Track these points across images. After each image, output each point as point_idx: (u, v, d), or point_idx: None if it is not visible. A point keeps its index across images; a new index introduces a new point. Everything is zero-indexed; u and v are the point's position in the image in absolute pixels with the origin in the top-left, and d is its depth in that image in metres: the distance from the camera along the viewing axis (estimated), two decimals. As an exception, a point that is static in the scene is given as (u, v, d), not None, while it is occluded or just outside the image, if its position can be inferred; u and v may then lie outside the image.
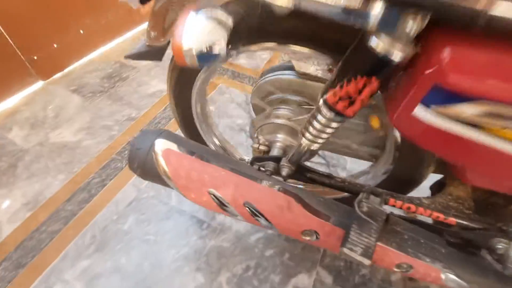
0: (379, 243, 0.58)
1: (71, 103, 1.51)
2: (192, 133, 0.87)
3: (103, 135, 1.36)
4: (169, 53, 0.68)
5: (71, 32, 1.62)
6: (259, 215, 0.59)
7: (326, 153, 1.30)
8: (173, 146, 0.59)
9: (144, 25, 2.02)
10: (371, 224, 0.53)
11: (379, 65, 0.35)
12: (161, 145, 0.59)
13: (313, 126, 0.50)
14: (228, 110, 1.48)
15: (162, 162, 0.58)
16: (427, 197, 0.62)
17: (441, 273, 0.60)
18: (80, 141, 1.34)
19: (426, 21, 0.31)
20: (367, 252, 0.51)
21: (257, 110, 0.79)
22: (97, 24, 1.71)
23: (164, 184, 0.62)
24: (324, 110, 0.45)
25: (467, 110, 0.32)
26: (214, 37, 0.38)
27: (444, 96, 0.33)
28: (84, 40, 1.69)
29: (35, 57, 1.51)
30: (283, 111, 0.71)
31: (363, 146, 0.74)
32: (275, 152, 0.72)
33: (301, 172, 0.67)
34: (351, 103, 0.40)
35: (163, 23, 0.58)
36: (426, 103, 0.34)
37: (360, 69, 0.37)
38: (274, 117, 0.72)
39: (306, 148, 0.57)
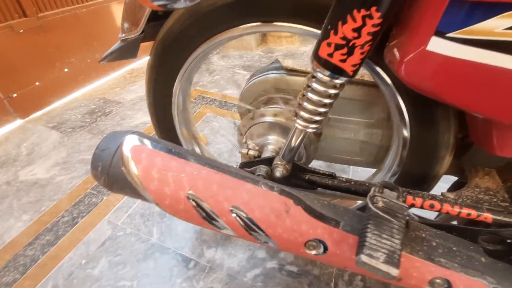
0: (403, 252, 0.46)
1: (48, 140, 1.41)
2: (169, 137, 0.78)
3: (79, 169, 1.24)
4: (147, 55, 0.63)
5: (55, 70, 1.60)
6: (253, 225, 0.47)
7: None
8: (144, 142, 0.49)
9: (132, 66, 2.05)
10: (392, 222, 0.42)
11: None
12: (130, 142, 0.49)
13: (307, 100, 0.42)
14: (216, 137, 1.41)
15: (130, 161, 0.47)
16: (451, 192, 0.52)
17: (483, 282, 0.46)
18: (52, 177, 1.22)
19: None
20: (393, 259, 0.39)
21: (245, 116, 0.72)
22: (83, 63, 1.71)
23: (135, 193, 0.51)
24: (318, 71, 0.38)
25: (499, 23, 0.25)
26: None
27: (463, 15, 0.26)
28: (68, 78, 1.67)
29: (15, 95, 1.46)
30: (271, 109, 0.64)
31: (362, 150, 0.66)
32: (267, 155, 0.62)
33: (298, 174, 0.57)
34: (350, 52, 0.33)
35: (136, 12, 0.53)
36: (442, 30, 0.28)
37: (356, 1, 0.30)
38: (261, 116, 0.64)
39: (301, 133, 0.48)
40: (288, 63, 0.66)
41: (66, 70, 1.64)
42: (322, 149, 0.71)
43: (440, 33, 0.29)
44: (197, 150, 0.85)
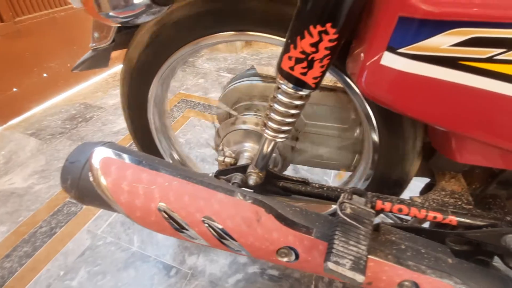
0: (372, 257, 0.47)
1: (27, 147, 1.37)
2: (147, 145, 0.77)
3: (58, 178, 1.21)
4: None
5: (33, 75, 1.56)
6: (225, 235, 0.48)
7: (303, 172, 1.22)
8: (114, 154, 0.48)
9: (114, 69, 2.01)
10: (359, 228, 0.43)
11: (332, 9, 0.30)
12: (100, 154, 0.48)
13: (274, 111, 0.43)
14: (200, 141, 1.40)
15: (99, 174, 0.47)
16: (419, 196, 0.54)
17: (448, 282, 0.48)
18: (30, 186, 1.18)
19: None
20: (358, 265, 0.40)
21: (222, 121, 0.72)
22: (62, 68, 1.67)
23: (105, 206, 0.50)
24: (282, 84, 0.38)
25: (444, 40, 0.27)
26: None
27: (411, 32, 0.28)
28: (47, 83, 1.63)
29: (-10, 102, 1.42)
30: (248, 117, 0.64)
31: (338, 154, 0.67)
32: (242, 162, 0.62)
33: (272, 181, 0.57)
34: (310, 66, 0.34)
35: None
36: (393, 46, 0.29)
37: (312, 17, 0.31)
38: (238, 123, 0.64)
39: (271, 143, 0.48)
40: (263, 70, 0.67)
41: (45, 75, 1.60)
42: (299, 154, 0.72)
43: (392, 49, 0.30)
44: (175, 156, 0.84)
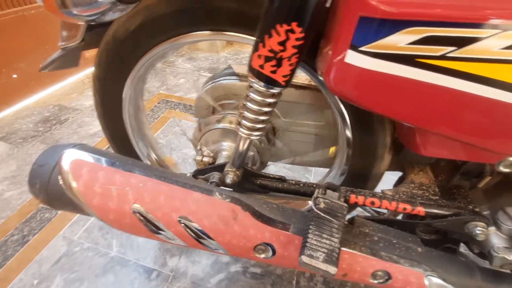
0: (346, 249, 0.48)
1: (-5, 152, 1.31)
2: (124, 148, 0.75)
3: (31, 183, 1.16)
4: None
5: (1, 77, 1.48)
6: (202, 234, 0.48)
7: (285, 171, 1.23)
8: (85, 156, 0.47)
9: (90, 70, 1.95)
10: (332, 222, 0.44)
11: (297, 8, 0.31)
12: (70, 156, 0.47)
13: (247, 109, 0.43)
14: (181, 142, 1.38)
15: (69, 177, 0.45)
16: (390, 189, 0.56)
17: (424, 277, 0.50)
18: (0, 193, 1.13)
19: None
20: (331, 257, 0.41)
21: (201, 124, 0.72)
22: (33, 68, 1.60)
23: (77, 209, 0.49)
24: (254, 82, 0.39)
25: (400, 39, 0.28)
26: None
27: (372, 31, 0.29)
28: (17, 85, 1.55)
29: (-47, 106, 1.33)
30: (226, 115, 0.64)
31: (315, 151, 0.69)
32: (221, 162, 0.62)
33: (250, 179, 0.58)
34: (279, 64, 0.34)
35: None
36: (356, 44, 0.30)
37: (278, 16, 0.32)
38: (216, 122, 0.64)
39: (247, 141, 0.49)
40: (239, 69, 0.67)
41: (14, 76, 1.53)
42: (277, 152, 0.73)
43: (354, 47, 0.31)
44: (154, 157, 0.83)
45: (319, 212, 0.45)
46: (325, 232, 0.43)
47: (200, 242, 0.48)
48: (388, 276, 0.50)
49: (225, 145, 0.65)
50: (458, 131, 0.35)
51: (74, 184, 0.45)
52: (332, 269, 0.40)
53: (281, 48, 0.34)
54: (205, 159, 0.64)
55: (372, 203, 0.53)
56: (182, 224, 0.47)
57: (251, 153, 0.66)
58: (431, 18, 0.27)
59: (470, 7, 0.26)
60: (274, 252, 0.48)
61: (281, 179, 0.57)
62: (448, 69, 0.29)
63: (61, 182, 0.46)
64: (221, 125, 0.64)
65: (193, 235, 0.47)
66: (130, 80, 0.62)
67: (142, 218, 0.46)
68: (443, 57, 0.28)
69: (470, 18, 0.26)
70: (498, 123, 0.31)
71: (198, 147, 0.68)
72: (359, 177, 0.65)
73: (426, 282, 0.50)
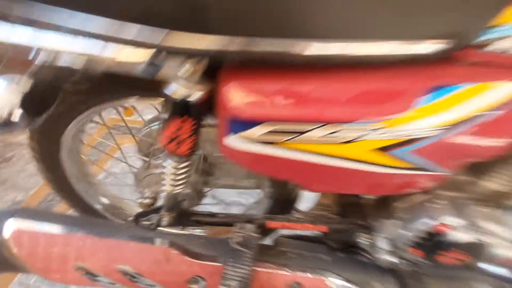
0: (262, 269, 0.60)
1: None
2: (71, 197, 0.80)
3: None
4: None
5: None
6: (139, 277, 0.56)
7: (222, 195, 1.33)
8: (26, 225, 0.53)
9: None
10: (245, 253, 0.55)
11: (184, 106, 0.40)
12: (11, 226, 0.53)
13: (167, 171, 0.52)
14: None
15: (10, 245, 0.51)
16: (302, 212, 0.68)
17: (326, 281, 0.63)
18: None
19: (205, 64, 0.38)
20: (244, 284, 0.52)
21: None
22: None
23: (21, 271, 0.55)
24: (165, 155, 0.48)
25: (256, 131, 0.39)
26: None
27: (238, 125, 0.39)
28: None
29: None
30: (159, 161, 0.72)
31: (245, 178, 0.79)
32: (160, 203, 0.71)
33: (185, 218, 0.67)
34: (181, 142, 0.44)
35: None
36: (232, 131, 0.40)
37: (173, 111, 0.41)
38: (153, 167, 0.72)
39: (171, 193, 0.58)
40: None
41: None
42: (209, 180, 0.82)
43: (231, 133, 0.41)
44: (104, 201, 0.88)
45: (234, 246, 0.56)
46: (239, 262, 0.54)
47: (138, 283, 0.57)
48: (300, 286, 0.62)
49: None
50: (327, 186, 0.47)
51: (16, 251, 0.51)
52: (242, 293, 0.51)
53: (180, 132, 0.43)
54: (146, 201, 0.72)
55: (285, 225, 0.65)
56: (121, 272, 0.55)
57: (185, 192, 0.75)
58: (275, 118, 0.38)
59: (299, 110, 0.38)
60: (206, 283, 0.58)
61: (211, 214, 0.67)
62: (292, 148, 0.40)
63: (3, 250, 0.51)
64: (158, 171, 0.72)
65: (132, 278, 0.56)
66: (65, 139, 0.68)
67: (84, 273, 0.54)
68: (288, 141, 0.40)
69: (301, 118, 0.38)
70: (335, 177, 0.43)
71: (140, 190, 0.75)
72: (283, 198, 0.77)
73: (330, 285, 0.64)
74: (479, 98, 0.36)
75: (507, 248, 0.57)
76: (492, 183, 0.58)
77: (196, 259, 0.58)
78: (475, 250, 0.57)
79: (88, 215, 0.81)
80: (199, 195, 0.78)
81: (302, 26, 0.32)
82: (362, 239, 0.64)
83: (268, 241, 0.70)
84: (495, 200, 0.60)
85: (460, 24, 0.34)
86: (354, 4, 0.31)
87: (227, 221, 0.67)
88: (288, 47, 0.33)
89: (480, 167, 0.57)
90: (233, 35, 0.31)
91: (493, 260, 0.58)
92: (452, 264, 0.60)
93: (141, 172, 0.75)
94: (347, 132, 0.37)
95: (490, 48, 0.36)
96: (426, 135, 0.38)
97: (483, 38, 0.35)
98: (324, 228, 0.65)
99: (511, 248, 0.57)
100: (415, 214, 0.58)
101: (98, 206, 0.84)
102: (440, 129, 0.37)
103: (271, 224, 0.65)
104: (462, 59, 0.37)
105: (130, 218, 0.68)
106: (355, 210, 0.68)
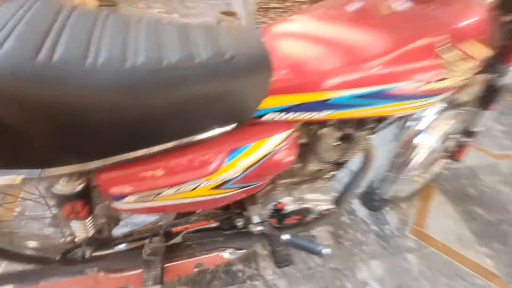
0: (173, 263, 0.84)
1: None
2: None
3: None
4: None
5: None
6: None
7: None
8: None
9: None
10: (155, 259, 0.78)
11: (71, 195, 0.57)
12: None
13: (75, 227, 0.69)
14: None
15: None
16: (196, 213, 0.93)
17: (221, 254, 0.92)
18: None
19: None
20: (157, 280, 0.76)
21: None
22: None
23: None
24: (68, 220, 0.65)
25: (129, 199, 0.59)
26: None
27: (117, 198, 0.58)
28: None
29: None
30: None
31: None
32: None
33: (106, 245, 0.85)
34: (78, 212, 0.61)
35: None
36: (114, 200, 0.59)
37: (63, 200, 0.57)
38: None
39: (86, 237, 0.75)
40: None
41: None
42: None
43: (114, 201, 0.59)
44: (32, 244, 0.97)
45: (146, 257, 0.78)
46: (151, 267, 0.77)
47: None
48: (203, 265, 0.90)
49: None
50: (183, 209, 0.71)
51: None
52: (158, 286, 0.75)
53: (75, 208, 0.60)
54: (68, 239, 0.86)
55: (187, 228, 0.90)
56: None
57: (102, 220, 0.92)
58: (135, 191, 0.58)
59: (148, 184, 0.58)
60: (132, 287, 0.81)
61: (127, 235, 0.87)
62: (160, 200, 0.62)
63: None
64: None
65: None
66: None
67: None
68: (155, 198, 0.61)
69: (152, 188, 0.59)
70: (195, 205, 0.68)
71: (60, 230, 0.88)
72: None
73: (225, 256, 0.93)
74: (260, 148, 0.62)
75: (325, 205, 0.92)
76: (313, 165, 0.90)
77: (120, 273, 0.79)
78: (305, 212, 0.90)
79: (20, 262, 0.91)
80: (113, 223, 0.95)
81: (146, 139, 0.51)
82: (241, 221, 0.93)
83: (178, 238, 0.94)
84: (316, 176, 0.94)
85: (241, 115, 0.57)
86: (186, 114, 0.51)
87: (141, 236, 0.88)
88: (133, 155, 0.52)
89: (305, 156, 0.88)
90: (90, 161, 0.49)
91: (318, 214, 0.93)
92: (295, 223, 0.94)
93: (55, 219, 0.87)
94: (187, 186, 0.60)
95: (264, 118, 0.61)
96: (238, 175, 0.63)
97: (257, 114, 0.60)
98: (213, 222, 0.92)
99: (327, 204, 0.92)
100: (266, 199, 0.88)
101: (29, 252, 0.94)
102: (243, 171, 0.63)
103: (176, 229, 0.88)
104: (248, 127, 0.61)
105: (58, 257, 0.82)
106: (236, 204, 0.95)
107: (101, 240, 0.84)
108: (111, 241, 0.86)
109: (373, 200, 1.32)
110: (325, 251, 0.71)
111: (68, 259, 0.83)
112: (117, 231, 0.89)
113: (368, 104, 0.61)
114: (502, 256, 1.35)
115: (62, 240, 0.87)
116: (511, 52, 0.87)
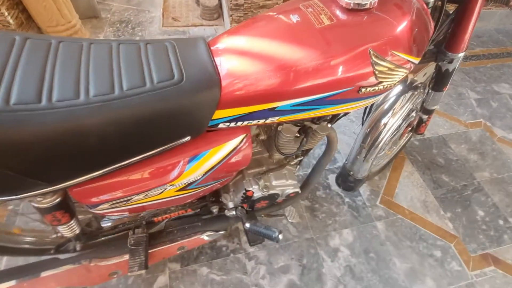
0: (157, 249, 0.96)
1: None
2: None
3: None
4: None
5: None
6: None
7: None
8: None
9: None
10: (138, 248, 0.89)
11: (51, 207, 0.64)
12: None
13: (61, 229, 0.78)
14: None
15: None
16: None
17: (202, 237, 1.03)
18: None
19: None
20: (142, 265, 0.87)
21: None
22: None
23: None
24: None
25: (103, 206, 0.67)
26: None
27: (93, 206, 0.66)
28: None
29: None
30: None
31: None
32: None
33: (95, 237, 0.95)
34: (59, 219, 0.69)
35: None
36: (90, 208, 0.67)
37: (44, 211, 0.66)
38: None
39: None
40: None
41: None
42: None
43: (90, 208, 0.68)
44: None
45: (131, 247, 0.89)
46: (136, 255, 0.88)
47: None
48: (186, 247, 1.02)
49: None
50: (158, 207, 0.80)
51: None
52: (143, 271, 0.87)
53: (56, 216, 0.68)
54: (59, 234, 0.96)
55: (167, 217, 1.00)
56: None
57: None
58: (108, 200, 0.66)
59: (119, 194, 0.66)
60: (122, 272, 0.92)
61: (113, 227, 0.97)
62: (133, 204, 0.70)
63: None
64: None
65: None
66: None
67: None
68: (127, 202, 0.69)
69: (121, 197, 0.66)
70: (167, 203, 0.76)
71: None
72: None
73: (205, 238, 1.04)
74: (217, 154, 0.69)
75: (291, 189, 1.01)
76: (278, 155, 0.98)
77: (109, 261, 0.90)
78: (273, 197, 1.00)
79: (19, 255, 1.01)
80: (100, 216, 1.05)
81: (107, 159, 0.58)
82: (217, 207, 1.03)
83: (161, 225, 1.04)
84: (283, 164, 1.02)
85: (194, 129, 0.63)
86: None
87: (126, 228, 0.98)
88: (99, 172, 0.58)
89: (269, 148, 0.95)
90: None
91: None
92: (264, 207, 1.04)
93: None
94: (153, 192, 0.68)
95: (218, 126, 0.67)
96: (200, 177, 0.71)
97: (210, 124, 0.66)
98: (189, 210, 1.01)
99: (293, 188, 1.01)
100: (236, 187, 0.97)
101: (26, 246, 1.04)
102: (203, 174, 0.70)
103: (157, 219, 0.98)
104: (204, 135, 0.67)
105: (52, 250, 0.93)
106: (211, 193, 1.05)
107: (89, 233, 0.94)
108: (99, 233, 0.96)
109: (347, 181, 1.42)
110: (280, 236, 0.82)
111: (61, 251, 0.94)
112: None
113: (312, 109, 0.67)
114: (462, 218, 1.50)
115: (54, 236, 0.97)
116: (454, 41, 0.91)
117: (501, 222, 1.50)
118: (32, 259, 0.89)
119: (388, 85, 0.67)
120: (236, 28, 0.69)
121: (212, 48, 0.67)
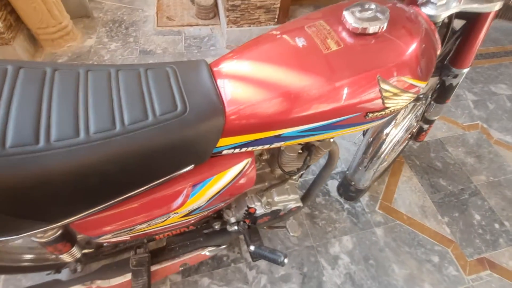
0: (160, 266, 0.95)
1: None
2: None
3: None
4: None
5: None
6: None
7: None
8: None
9: None
10: (141, 269, 0.88)
11: (52, 241, 0.62)
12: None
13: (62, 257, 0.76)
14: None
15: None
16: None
17: (203, 252, 1.03)
18: None
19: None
20: (145, 286, 0.86)
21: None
22: None
23: None
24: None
25: (106, 237, 0.65)
26: None
27: (95, 237, 0.64)
28: None
29: None
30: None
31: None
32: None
33: (96, 258, 0.94)
34: (61, 250, 0.67)
35: None
36: (93, 239, 0.65)
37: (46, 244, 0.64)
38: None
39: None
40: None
41: None
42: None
43: (93, 238, 0.66)
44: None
45: (133, 268, 0.87)
46: (139, 277, 0.87)
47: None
48: (188, 264, 1.01)
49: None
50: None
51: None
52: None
53: (59, 247, 0.66)
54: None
55: (168, 234, 0.98)
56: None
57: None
58: (105, 232, 0.64)
59: (121, 226, 0.64)
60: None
61: (113, 246, 0.95)
62: (136, 232, 0.68)
63: None
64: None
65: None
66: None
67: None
68: (130, 231, 0.67)
69: (124, 228, 0.65)
70: (170, 228, 0.75)
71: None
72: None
73: (206, 253, 1.03)
74: (222, 180, 0.68)
75: (293, 203, 1.00)
76: (279, 170, 0.97)
77: (111, 282, 0.89)
78: (275, 213, 0.99)
79: (20, 273, 0.99)
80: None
81: (109, 193, 0.56)
82: (219, 223, 1.02)
83: (162, 241, 1.03)
84: (284, 179, 1.01)
85: (198, 157, 0.61)
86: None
87: (127, 247, 0.97)
88: (101, 206, 0.57)
89: (272, 165, 0.94)
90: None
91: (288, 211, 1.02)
92: (266, 222, 1.04)
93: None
94: (157, 220, 0.66)
95: (223, 153, 0.65)
96: (204, 203, 0.70)
97: (214, 151, 0.64)
98: (192, 227, 1.00)
99: (295, 203, 1.00)
100: (239, 203, 0.96)
101: (26, 263, 1.02)
102: (208, 200, 0.69)
103: (159, 237, 0.96)
104: (208, 161, 0.66)
105: (53, 272, 0.91)
106: (217, 213, 1.03)
107: (90, 254, 0.93)
108: (99, 253, 0.95)
109: (349, 191, 1.42)
110: (286, 261, 0.81)
111: (61, 271, 0.92)
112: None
113: (318, 134, 0.65)
114: (459, 223, 1.52)
115: (53, 256, 0.95)
116: (459, 57, 0.90)
117: (497, 226, 1.52)
118: (34, 280, 0.87)
119: (395, 109, 0.66)
120: (239, 49, 0.67)
121: (214, 70, 0.65)
